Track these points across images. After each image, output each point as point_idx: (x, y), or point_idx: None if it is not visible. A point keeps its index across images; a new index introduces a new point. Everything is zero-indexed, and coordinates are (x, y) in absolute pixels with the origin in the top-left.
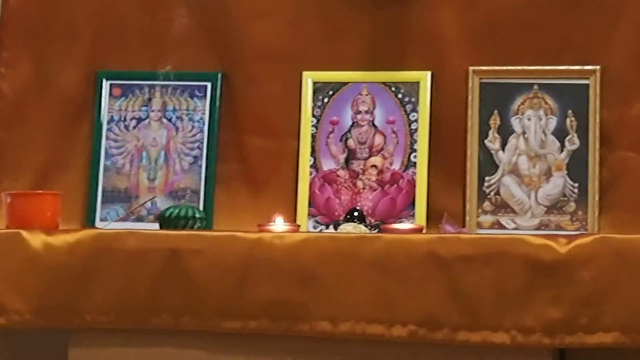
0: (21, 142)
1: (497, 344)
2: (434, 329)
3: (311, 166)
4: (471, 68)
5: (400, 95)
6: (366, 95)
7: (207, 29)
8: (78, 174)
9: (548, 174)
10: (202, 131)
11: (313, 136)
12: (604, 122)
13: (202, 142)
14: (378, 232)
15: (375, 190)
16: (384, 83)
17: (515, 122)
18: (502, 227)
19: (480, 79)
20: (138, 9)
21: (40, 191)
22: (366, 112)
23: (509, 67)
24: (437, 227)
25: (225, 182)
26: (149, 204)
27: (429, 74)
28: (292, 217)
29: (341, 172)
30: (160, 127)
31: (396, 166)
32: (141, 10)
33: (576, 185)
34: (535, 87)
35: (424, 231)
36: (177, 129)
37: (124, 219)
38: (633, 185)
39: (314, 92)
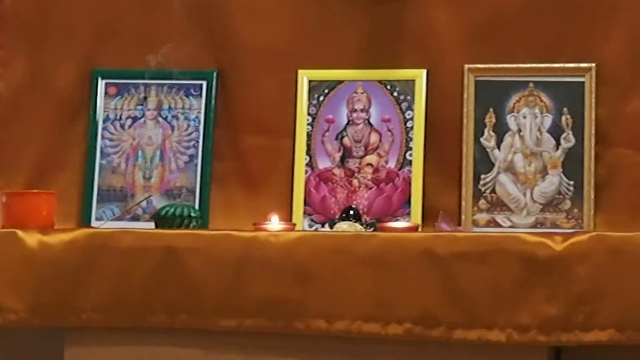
0: (17, 141)
1: (493, 342)
2: (430, 327)
3: (307, 164)
4: (466, 66)
5: (395, 94)
6: (362, 93)
7: (202, 27)
8: (74, 173)
9: (543, 172)
10: (197, 130)
11: (308, 134)
12: (600, 119)
13: (197, 141)
14: (374, 230)
15: (370, 188)
16: (379, 81)
17: (510, 120)
18: (498, 225)
19: (476, 76)
20: (133, 8)
21: (35, 190)
22: (362, 110)
23: (505, 65)
24: (432, 225)
25: (220, 181)
26: (144, 203)
27: (424, 72)
28: (287, 216)
29: (337, 171)
30: (156, 125)
31: (392, 164)
32: (137, 9)
33: (572, 183)
34: (531, 84)
35: (419, 229)
36: (172, 127)
37: (119, 218)
38: (628, 183)
39: (310, 90)
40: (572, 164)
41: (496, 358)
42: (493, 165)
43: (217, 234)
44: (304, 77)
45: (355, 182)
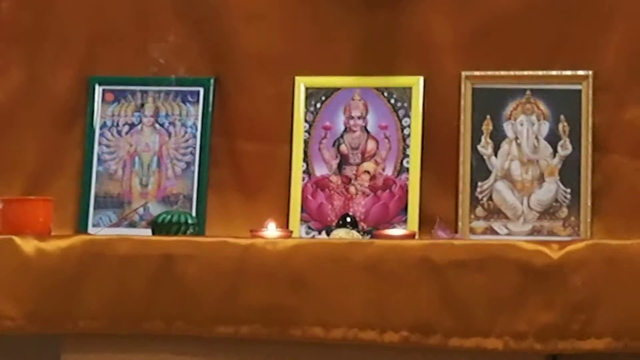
0: (13, 148)
1: (489, 350)
2: (427, 335)
3: (304, 172)
4: (464, 73)
5: (392, 101)
6: (359, 100)
7: (199, 34)
8: (70, 180)
9: (540, 180)
10: (194, 136)
11: (305, 142)
12: (597, 127)
13: (194, 148)
14: (370, 237)
15: (367, 195)
16: (376, 88)
17: (507, 128)
18: (495, 232)
19: (473, 84)
20: (130, 15)
21: (32, 197)
22: (359, 117)
23: (502, 73)
24: (429, 233)
25: (217, 188)
26: (141, 210)
27: (421, 79)
28: (284, 223)
29: (334, 178)
30: (153, 132)
31: (389, 172)
32: (133, 16)
33: (569, 190)
34: (528, 92)
35: (416, 237)
36: (169, 134)
37: (116, 225)
38: (626, 191)
39: (307, 97)
40: (569, 172)
41: None
42: (490, 172)
43: (213, 241)
44: (301, 84)
45: (352, 189)
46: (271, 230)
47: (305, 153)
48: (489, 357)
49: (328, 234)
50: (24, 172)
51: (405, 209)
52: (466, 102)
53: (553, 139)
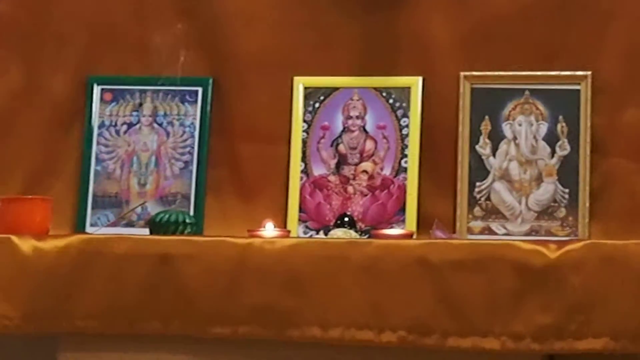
0: (12, 147)
1: (486, 350)
2: (424, 335)
3: (302, 171)
4: (462, 73)
5: (391, 101)
6: (357, 100)
7: (198, 34)
8: (69, 179)
9: (539, 180)
10: (192, 136)
11: (304, 141)
12: (595, 127)
13: (192, 147)
14: (368, 237)
15: (365, 195)
16: (375, 88)
17: (506, 128)
18: (493, 232)
19: (472, 84)
20: (129, 15)
21: (30, 196)
22: (357, 117)
23: (500, 73)
24: (427, 233)
25: (215, 188)
26: (139, 209)
27: (420, 79)
28: (282, 223)
29: (332, 178)
30: (151, 132)
31: (387, 171)
32: (132, 16)
33: (567, 191)
34: (526, 92)
35: (414, 237)
36: (167, 134)
37: (114, 224)
38: (623, 192)
39: (305, 97)
40: (567, 172)
41: None
42: (488, 172)
43: (211, 241)
44: (300, 84)
45: (350, 189)
46: (269, 230)
47: (304, 153)
48: (486, 357)
49: (326, 233)
50: (22, 171)
51: (403, 209)
52: (465, 102)
53: (551, 140)
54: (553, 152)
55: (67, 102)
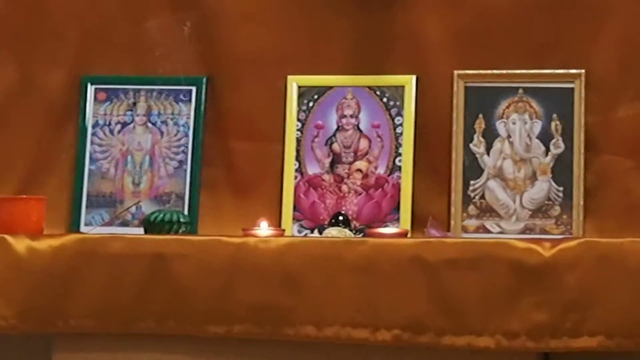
0: (5, 147)
1: (481, 348)
2: (419, 333)
3: (296, 170)
4: (456, 72)
5: (385, 99)
6: (351, 99)
7: (192, 33)
8: (63, 179)
9: (533, 178)
10: (187, 135)
11: (298, 140)
12: (589, 125)
13: (187, 147)
14: (363, 236)
15: (360, 194)
16: (369, 87)
17: (500, 126)
18: (487, 231)
19: (465, 82)
20: (123, 14)
21: (24, 196)
22: (351, 116)
23: (494, 71)
24: (422, 231)
25: (210, 187)
26: (133, 209)
27: (413, 78)
28: (276, 222)
29: (326, 176)
30: (145, 131)
31: (381, 170)
32: (126, 15)
33: (561, 189)
34: (520, 90)
35: (408, 235)
36: (162, 133)
37: (108, 224)
38: (618, 189)
39: (299, 96)
40: (561, 170)
41: None
42: (482, 171)
43: (206, 240)
44: (294, 83)
45: (344, 187)
46: (263, 229)
47: (298, 152)
48: (481, 355)
49: (320, 232)
50: (17, 171)
51: (397, 208)
52: (459, 100)
53: (545, 138)
54: (547, 150)
55: (61, 101)
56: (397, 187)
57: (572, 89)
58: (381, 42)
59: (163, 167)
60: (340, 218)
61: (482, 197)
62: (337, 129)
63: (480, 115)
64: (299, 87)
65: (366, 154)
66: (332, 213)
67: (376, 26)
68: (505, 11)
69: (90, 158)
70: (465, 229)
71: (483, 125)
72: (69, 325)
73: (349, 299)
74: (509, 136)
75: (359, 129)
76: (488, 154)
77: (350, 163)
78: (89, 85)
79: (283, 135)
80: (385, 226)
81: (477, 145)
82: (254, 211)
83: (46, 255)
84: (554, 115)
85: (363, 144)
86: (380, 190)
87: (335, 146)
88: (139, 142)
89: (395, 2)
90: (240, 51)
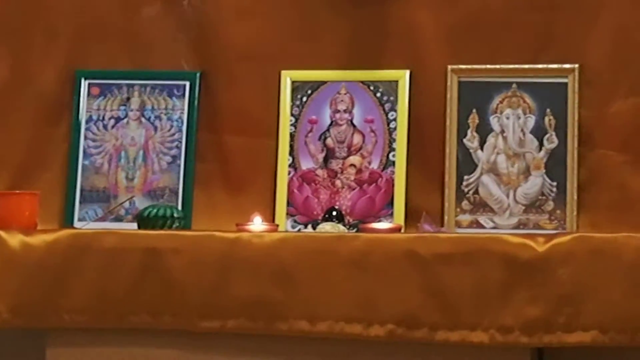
0: None
1: (475, 343)
2: (413, 328)
3: (290, 165)
4: (450, 67)
5: (378, 94)
6: (345, 94)
7: (185, 28)
8: (56, 174)
9: (526, 173)
10: (180, 130)
11: (292, 135)
12: (583, 120)
13: (180, 142)
14: (356, 231)
15: (353, 189)
16: (362, 82)
17: (493, 121)
18: (481, 226)
19: (459, 77)
20: (117, 9)
21: (18, 191)
22: (345, 111)
23: (488, 66)
24: (415, 226)
25: (203, 182)
26: (127, 204)
27: (407, 72)
28: (270, 217)
29: (320, 172)
30: (139, 126)
31: (375, 165)
32: (120, 10)
33: (555, 184)
34: (514, 85)
35: (402, 230)
36: (155, 128)
37: (102, 219)
38: (611, 184)
39: (293, 91)
40: (555, 165)
41: (479, 359)
42: (476, 166)
43: (199, 235)
44: (287, 77)
45: (338, 183)
46: (257, 224)
47: (291, 147)
48: (475, 350)
49: (314, 227)
50: (10, 166)
51: (391, 203)
52: (452, 95)
53: (539, 133)
54: (541, 145)
55: (55, 96)
56: (391, 182)
57: (566, 83)
58: (375, 37)
59: (157, 162)
60: (334, 213)
61: (476, 192)
62: (331, 124)
63: (474, 110)
64: (293, 81)
65: (360, 149)
66: (325, 208)
67: (370, 21)
68: (499, 6)
69: (84, 153)
70: (458, 224)
71: (477, 120)
72: (63, 320)
73: (343, 294)
74: (502, 131)
75: (352, 124)
76: (482, 149)
77: (344, 158)
78: (82, 80)
79: (276, 130)
80: (379, 221)
81: (471, 140)
82: (247, 206)
83: (40, 250)
84: (548, 110)
85: (357, 139)
86: (373, 185)
87: (329, 141)
88: (133, 137)
89: None
90: (234, 46)
